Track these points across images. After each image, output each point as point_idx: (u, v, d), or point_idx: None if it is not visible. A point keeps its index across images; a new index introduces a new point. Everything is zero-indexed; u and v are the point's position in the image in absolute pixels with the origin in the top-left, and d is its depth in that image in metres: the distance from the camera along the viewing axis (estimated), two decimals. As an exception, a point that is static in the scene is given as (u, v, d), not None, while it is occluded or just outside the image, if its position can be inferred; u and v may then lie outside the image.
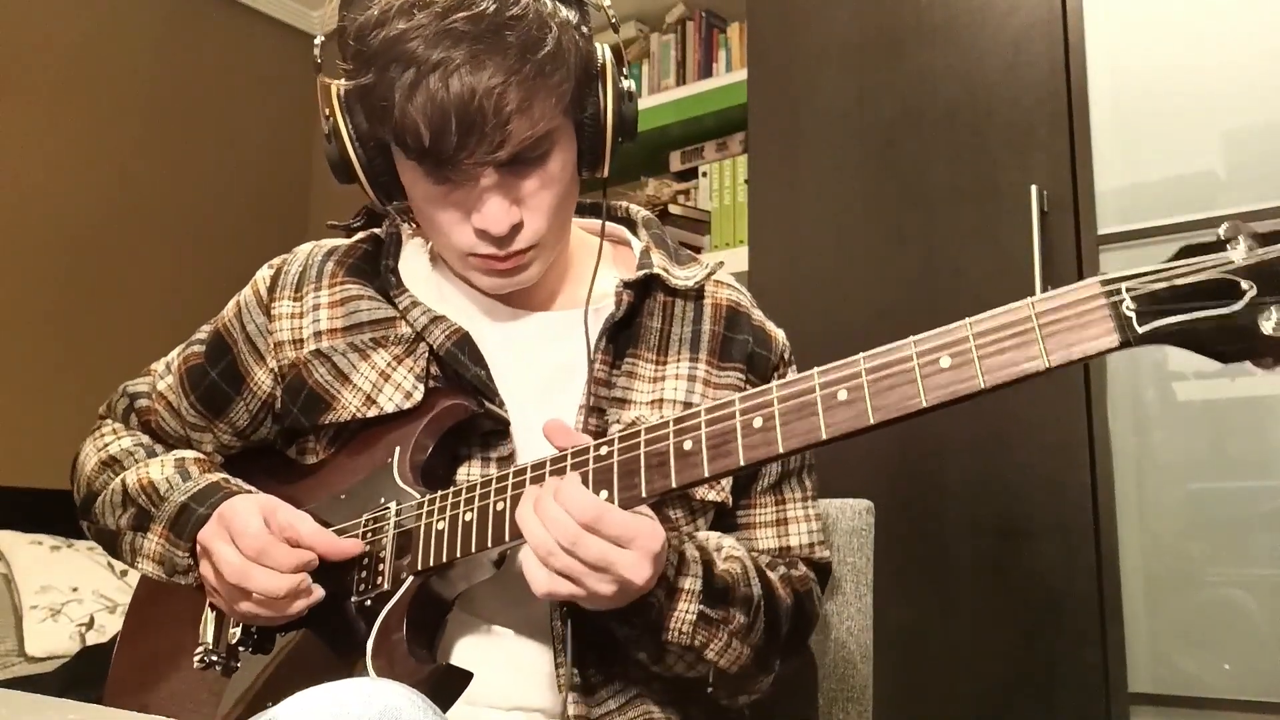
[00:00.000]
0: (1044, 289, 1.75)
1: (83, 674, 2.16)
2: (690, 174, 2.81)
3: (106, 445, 1.05)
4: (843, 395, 0.67)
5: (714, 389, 0.96)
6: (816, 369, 0.69)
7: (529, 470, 0.78)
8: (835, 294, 2.03)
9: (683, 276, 0.99)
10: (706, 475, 0.71)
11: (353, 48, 0.83)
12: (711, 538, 0.91)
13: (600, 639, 0.85)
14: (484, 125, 0.80)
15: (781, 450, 0.69)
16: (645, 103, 2.82)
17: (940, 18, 1.99)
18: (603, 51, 0.92)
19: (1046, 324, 0.63)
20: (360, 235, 1.05)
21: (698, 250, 2.67)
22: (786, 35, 2.20)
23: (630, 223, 1.08)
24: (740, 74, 2.50)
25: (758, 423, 0.70)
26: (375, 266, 1.00)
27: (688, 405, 0.94)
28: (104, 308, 3.10)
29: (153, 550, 0.94)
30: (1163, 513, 1.69)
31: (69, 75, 3.09)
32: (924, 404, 0.65)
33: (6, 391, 2.84)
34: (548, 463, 0.78)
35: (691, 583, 0.82)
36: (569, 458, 0.77)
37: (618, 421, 0.92)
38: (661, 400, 0.94)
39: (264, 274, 1.03)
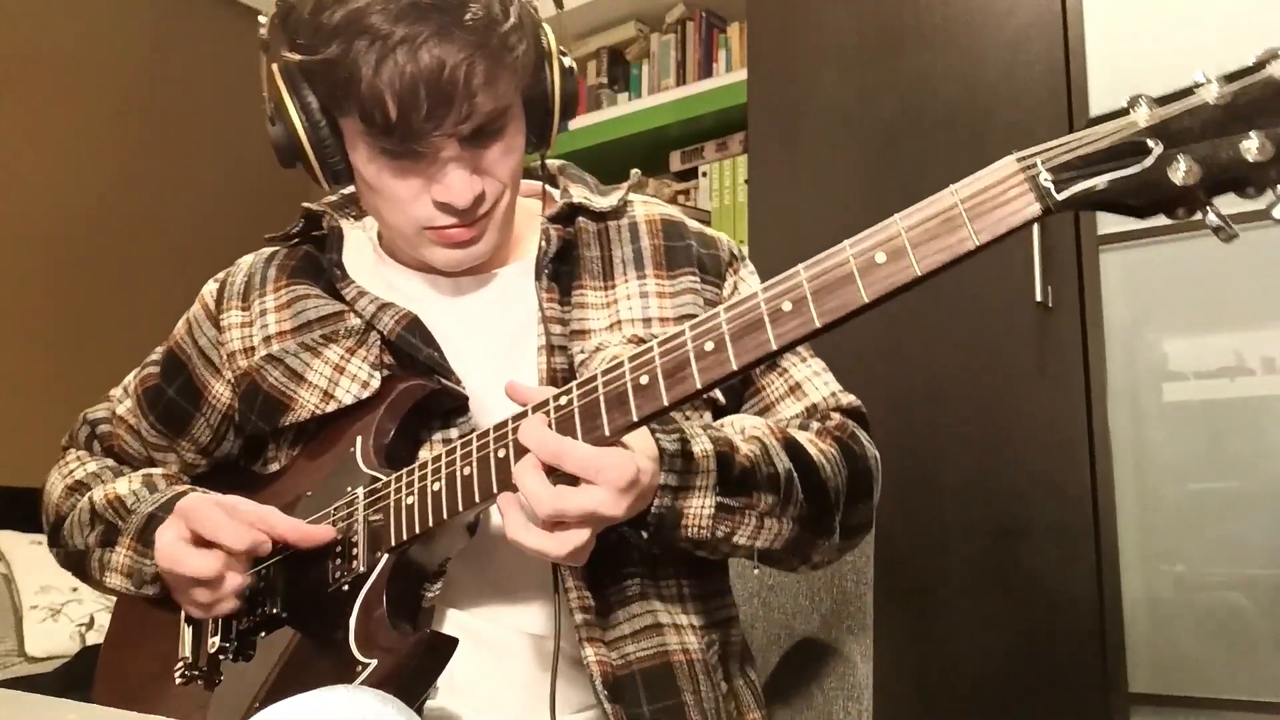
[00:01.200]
0: (1044, 288, 1.76)
1: (83, 674, 2.16)
2: (690, 174, 2.81)
3: (72, 472, 1.05)
4: (787, 306, 0.69)
5: (670, 298, 0.96)
6: (759, 287, 0.71)
7: (491, 431, 0.78)
8: (835, 294, 2.02)
9: (604, 202, 1.00)
10: (666, 404, 0.72)
11: (309, 23, 0.82)
12: (734, 421, 0.92)
13: (608, 581, 0.86)
14: (452, 98, 0.80)
15: (735, 367, 0.70)
16: (645, 103, 2.82)
17: (940, 18, 1.99)
18: (547, 30, 0.93)
19: (971, 206, 0.65)
20: (297, 240, 1.05)
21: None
22: (786, 35, 2.20)
23: (552, 178, 1.08)
24: (740, 74, 2.50)
25: (709, 346, 0.71)
26: (318, 266, 1.00)
27: (647, 321, 0.94)
28: (103, 307, 3.10)
29: (120, 563, 0.94)
30: (1162, 513, 1.69)
31: (65, 75, 3.09)
32: (865, 299, 0.67)
33: (6, 391, 2.84)
34: (509, 420, 0.78)
35: (703, 479, 0.81)
36: (530, 413, 0.77)
37: (582, 351, 0.92)
38: (620, 322, 0.94)
39: (209, 289, 1.04)
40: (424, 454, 0.89)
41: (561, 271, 0.95)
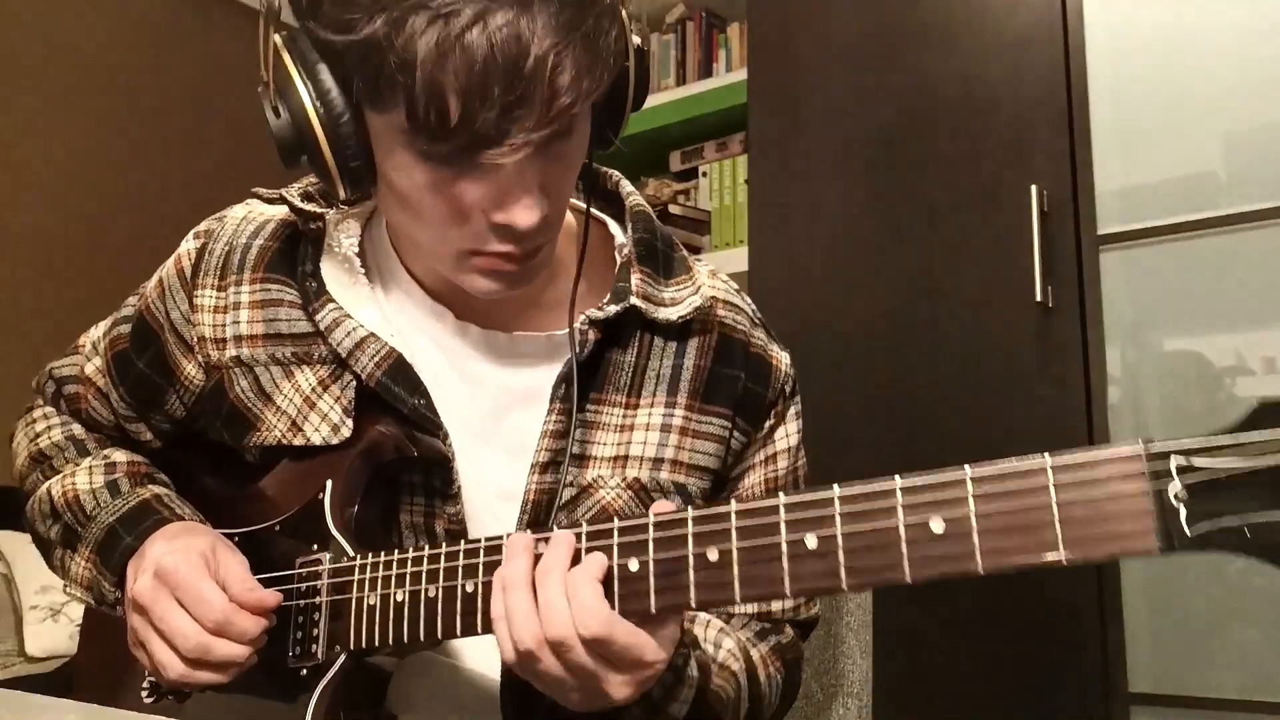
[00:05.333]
0: (1044, 288, 1.76)
1: (82, 674, 2.16)
2: (690, 174, 2.81)
3: (37, 436, 0.96)
4: (812, 543, 0.57)
5: (691, 439, 0.83)
6: (783, 495, 0.59)
7: (461, 557, 0.71)
8: (835, 294, 2.03)
9: (668, 300, 0.84)
10: (653, 610, 0.62)
11: None
12: (711, 636, 0.82)
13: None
14: (534, 96, 0.63)
15: (738, 600, 0.60)
16: (645, 103, 2.82)
17: (940, 18, 1.99)
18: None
19: (1067, 503, 0.50)
20: (289, 210, 0.89)
21: (697, 251, 2.67)
22: (786, 35, 2.20)
23: (617, 201, 0.91)
24: (740, 74, 2.51)
25: (713, 556, 0.60)
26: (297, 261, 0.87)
27: (658, 463, 0.82)
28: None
29: (80, 574, 0.86)
30: (1163, 512, 1.69)
31: (69, 74, 3.09)
32: (908, 579, 0.54)
33: (6, 391, 2.84)
34: (481, 552, 0.70)
35: (678, 709, 0.72)
36: (503, 550, 0.68)
37: (571, 485, 0.80)
38: (626, 458, 0.82)
39: (189, 247, 0.90)
40: (404, 510, 0.82)
41: (582, 377, 0.81)
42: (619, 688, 0.64)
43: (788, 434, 0.89)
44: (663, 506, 0.65)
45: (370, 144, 0.70)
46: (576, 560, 0.64)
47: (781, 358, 0.90)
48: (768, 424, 0.88)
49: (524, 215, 0.68)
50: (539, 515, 0.80)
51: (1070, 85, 1.82)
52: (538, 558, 0.65)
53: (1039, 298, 1.77)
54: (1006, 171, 1.87)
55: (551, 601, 0.62)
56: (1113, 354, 1.75)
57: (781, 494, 0.59)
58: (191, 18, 3.42)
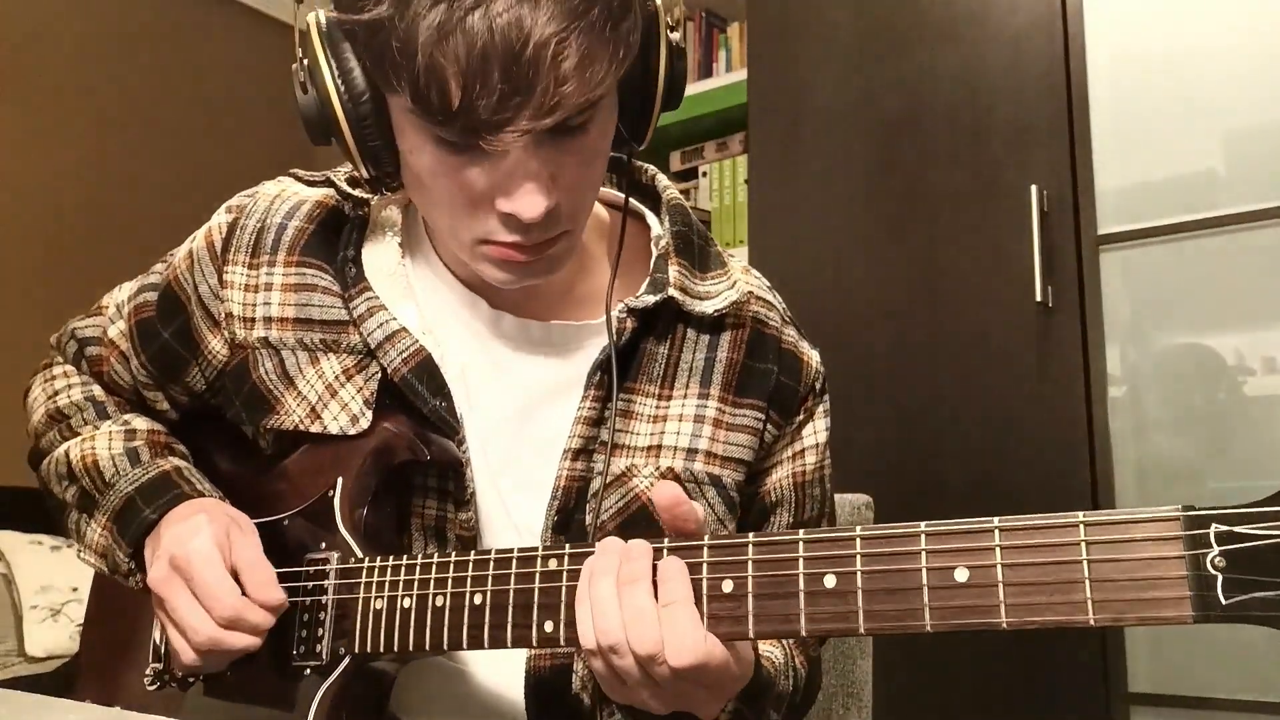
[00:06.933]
0: (1044, 288, 1.76)
1: (82, 674, 2.16)
2: (690, 174, 2.81)
3: (56, 394, 0.95)
4: (830, 582, 0.56)
5: (725, 431, 0.83)
6: (803, 532, 0.58)
7: (470, 568, 0.70)
8: (835, 294, 2.03)
9: (704, 293, 0.84)
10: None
11: None
12: None
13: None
14: (534, 83, 0.63)
15: (751, 635, 0.59)
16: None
17: (941, 17, 1.99)
18: None
19: (1098, 562, 0.48)
20: (327, 192, 0.88)
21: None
22: (786, 35, 2.20)
23: (653, 195, 0.90)
24: (740, 74, 2.51)
25: (727, 587, 0.59)
26: (336, 246, 0.86)
27: (691, 453, 0.81)
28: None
29: (95, 541, 0.86)
30: (1163, 512, 1.69)
31: (68, 75, 3.09)
32: (928, 628, 0.53)
33: (6, 391, 2.84)
34: (491, 564, 0.69)
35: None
36: (513, 563, 0.68)
37: (602, 473, 0.80)
38: (660, 447, 0.81)
39: (220, 221, 0.88)
40: (416, 504, 0.82)
41: (617, 366, 0.81)
42: (708, 706, 0.63)
43: (816, 431, 0.89)
44: (664, 489, 0.64)
45: (390, 124, 0.71)
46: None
47: (812, 355, 0.90)
48: (797, 419, 0.88)
49: (528, 205, 0.68)
50: (569, 502, 0.79)
51: (1070, 85, 1.82)
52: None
53: (1039, 298, 1.77)
54: (1006, 171, 1.87)
55: (641, 616, 0.60)
56: (1113, 354, 1.75)
57: (802, 530, 0.59)
58: (192, 17, 3.42)
